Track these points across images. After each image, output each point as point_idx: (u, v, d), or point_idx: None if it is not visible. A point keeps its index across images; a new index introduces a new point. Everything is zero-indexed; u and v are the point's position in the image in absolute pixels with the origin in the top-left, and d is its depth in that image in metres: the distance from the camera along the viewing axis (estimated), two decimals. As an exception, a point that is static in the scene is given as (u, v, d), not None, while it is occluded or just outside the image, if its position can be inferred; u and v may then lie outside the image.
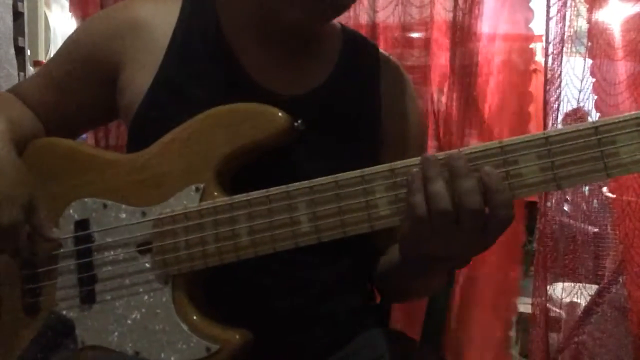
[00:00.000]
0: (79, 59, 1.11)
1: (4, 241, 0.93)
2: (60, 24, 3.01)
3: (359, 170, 0.85)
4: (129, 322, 0.95)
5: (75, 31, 1.16)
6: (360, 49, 1.17)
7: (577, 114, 1.91)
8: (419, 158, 0.82)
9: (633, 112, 0.77)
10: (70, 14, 1.97)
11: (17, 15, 2.18)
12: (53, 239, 0.96)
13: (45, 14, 2.66)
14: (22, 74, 2.20)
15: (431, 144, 1.99)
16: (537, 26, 1.93)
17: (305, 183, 0.87)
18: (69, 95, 1.12)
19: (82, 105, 1.13)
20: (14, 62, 2.17)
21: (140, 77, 1.04)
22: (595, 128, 0.77)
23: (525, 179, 0.79)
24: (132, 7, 1.10)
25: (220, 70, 1.05)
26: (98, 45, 1.09)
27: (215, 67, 1.05)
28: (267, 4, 1.00)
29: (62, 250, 0.98)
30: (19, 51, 2.19)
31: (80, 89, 1.11)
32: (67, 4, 2.48)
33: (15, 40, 2.18)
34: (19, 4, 2.18)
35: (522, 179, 0.79)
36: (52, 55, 1.22)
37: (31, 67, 2.36)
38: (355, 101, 1.11)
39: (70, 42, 1.15)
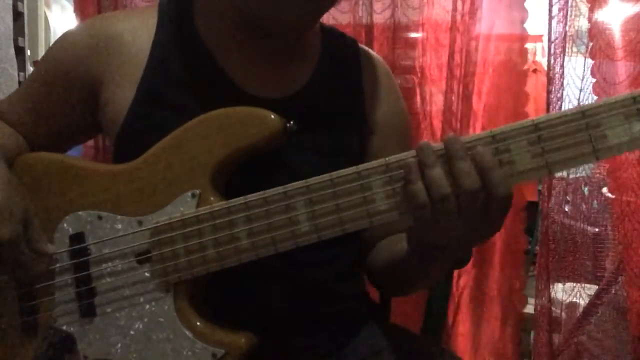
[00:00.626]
0: (56, 79, 1.09)
1: (4, 257, 0.92)
2: (60, 24, 3.00)
3: (354, 167, 0.86)
4: (132, 332, 0.94)
5: (51, 49, 1.14)
6: (339, 45, 1.17)
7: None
8: (414, 150, 0.83)
9: (617, 95, 0.79)
10: (74, 14, 1.97)
11: (17, 15, 2.18)
12: (49, 254, 0.96)
13: (45, 14, 2.65)
14: (22, 74, 2.19)
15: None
16: (539, 26, 1.92)
17: (301, 182, 0.88)
18: (49, 115, 1.11)
19: (62, 124, 1.12)
20: (14, 62, 2.16)
21: (122, 91, 1.04)
22: (582, 112, 0.79)
23: (518, 165, 0.81)
24: (108, 22, 1.09)
25: (204, 79, 1.05)
26: (75, 63, 1.07)
27: (198, 76, 1.05)
28: (259, 9, 0.98)
29: (58, 265, 0.97)
30: (19, 51, 2.19)
31: (59, 107, 1.10)
32: (67, 4, 2.47)
33: (15, 40, 2.17)
34: (19, 4, 2.18)
35: (515, 166, 0.81)
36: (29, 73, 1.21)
37: (31, 67, 2.35)
38: (339, 97, 1.12)
39: (47, 61, 1.14)
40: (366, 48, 1.22)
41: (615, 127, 0.78)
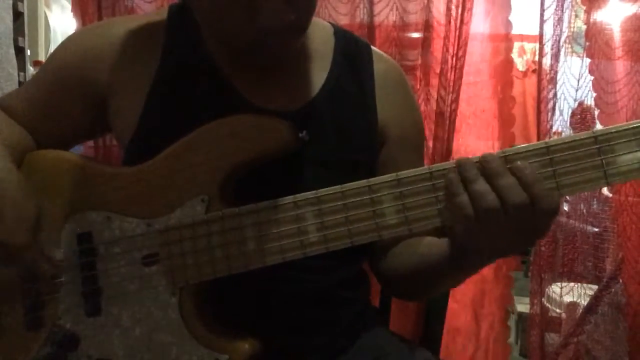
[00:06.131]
0: (65, 79, 1.08)
1: (15, 262, 0.92)
2: (60, 24, 2.98)
3: (365, 180, 0.87)
4: (136, 334, 0.94)
5: (61, 48, 1.12)
6: (352, 49, 1.15)
7: (582, 107, 1.92)
8: (425, 167, 0.84)
9: (630, 122, 0.80)
10: (71, 14, 1.96)
11: (17, 15, 2.16)
12: (57, 260, 0.95)
13: (45, 14, 2.64)
14: (22, 74, 2.18)
15: (425, 143, 2.00)
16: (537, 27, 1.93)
17: (312, 193, 0.89)
18: (54, 113, 1.10)
19: (67, 123, 1.11)
20: (14, 62, 2.15)
21: (132, 101, 1.03)
22: (595, 137, 0.80)
23: None
24: (118, 27, 1.08)
25: (213, 92, 1.04)
26: (86, 66, 1.06)
27: (208, 90, 1.04)
28: (242, 41, 0.96)
29: (65, 264, 0.97)
30: (19, 51, 2.17)
31: (65, 107, 1.09)
32: (67, 4, 2.46)
33: (15, 40, 2.15)
34: (19, 4, 2.16)
35: None
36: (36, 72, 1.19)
37: (31, 67, 2.34)
38: (351, 107, 1.10)
39: (56, 60, 1.12)
40: (380, 52, 1.19)
41: (627, 153, 0.79)
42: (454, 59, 1.97)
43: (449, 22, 1.95)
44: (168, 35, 1.06)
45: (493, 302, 2.09)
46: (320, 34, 1.13)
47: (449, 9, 1.94)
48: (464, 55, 1.96)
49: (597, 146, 0.79)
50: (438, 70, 1.99)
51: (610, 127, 0.80)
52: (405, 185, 0.85)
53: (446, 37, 1.97)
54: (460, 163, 0.82)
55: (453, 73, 1.97)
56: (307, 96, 1.07)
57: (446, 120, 1.98)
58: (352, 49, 1.15)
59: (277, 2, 0.89)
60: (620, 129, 0.79)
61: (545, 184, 0.80)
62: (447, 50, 1.97)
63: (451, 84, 1.97)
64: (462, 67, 1.97)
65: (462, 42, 1.95)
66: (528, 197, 0.79)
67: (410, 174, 0.85)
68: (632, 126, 0.79)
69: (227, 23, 0.94)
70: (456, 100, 1.98)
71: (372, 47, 1.18)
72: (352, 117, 1.09)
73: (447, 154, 1.94)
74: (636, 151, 0.79)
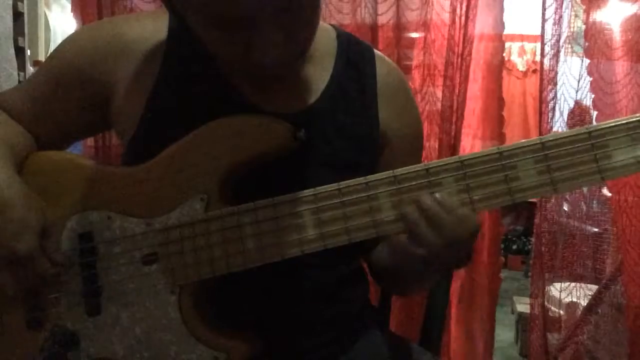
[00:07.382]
0: (67, 77, 1.07)
1: (21, 270, 0.91)
2: (60, 24, 2.99)
3: (362, 177, 0.88)
4: (136, 333, 0.95)
5: (64, 46, 1.11)
6: (354, 52, 1.14)
7: (580, 107, 1.92)
8: (421, 164, 0.85)
9: (624, 117, 0.80)
10: (71, 14, 1.96)
11: (17, 15, 2.17)
12: (58, 260, 0.95)
13: (45, 14, 2.64)
14: (22, 74, 2.19)
15: (429, 144, 2.00)
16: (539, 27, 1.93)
17: (309, 191, 0.89)
18: (55, 111, 1.09)
19: (69, 122, 1.10)
20: (14, 62, 2.15)
21: (134, 102, 1.03)
22: (589, 133, 0.80)
23: (524, 183, 0.83)
24: (121, 27, 1.07)
25: (216, 94, 1.03)
26: (90, 64, 1.05)
27: (210, 92, 1.03)
28: (242, 61, 0.94)
29: (66, 263, 0.96)
30: (19, 51, 2.18)
31: (66, 105, 1.08)
32: (67, 4, 2.46)
33: (15, 40, 2.16)
34: (19, 4, 2.17)
35: (521, 183, 0.83)
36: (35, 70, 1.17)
37: (31, 67, 2.35)
38: (354, 109, 1.10)
39: (54, 61, 1.10)
40: (382, 55, 1.19)
41: (621, 149, 0.80)
42: (459, 58, 1.96)
43: (454, 20, 1.95)
44: (171, 34, 1.06)
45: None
46: (322, 37, 1.12)
47: (452, 6, 1.94)
48: (469, 55, 1.95)
49: (591, 142, 0.80)
50: (443, 70, 1.98)
51: (604, 122, 0.80)
52: (401, 182, 0.86)
53: (450, 36, 1.96)
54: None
55: (459, 73, 1.96)
56: (309, 98, 1.07)
57: (452, 121, 1.98)
58: (354, 52, 1.14)
59: (275, 37, 0.88)
60: (614, 124, 0.80)
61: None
62: (452, 50, 1.97)
63: (457, 84, 1.97)
64: (467, 67, 1.96)
65: (467, 41, 1.94)
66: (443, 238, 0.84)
67: (407, 171, 0.86)
68: (625, 122, 0.80)
69: (223, 55, 0.95)
70: (463, 102, 1.97)
71: (375, 50, 1.18)
72: (354, 120, 1.09)
73: (454, 154, 1.93)
74: (630, 146, 0.79)
